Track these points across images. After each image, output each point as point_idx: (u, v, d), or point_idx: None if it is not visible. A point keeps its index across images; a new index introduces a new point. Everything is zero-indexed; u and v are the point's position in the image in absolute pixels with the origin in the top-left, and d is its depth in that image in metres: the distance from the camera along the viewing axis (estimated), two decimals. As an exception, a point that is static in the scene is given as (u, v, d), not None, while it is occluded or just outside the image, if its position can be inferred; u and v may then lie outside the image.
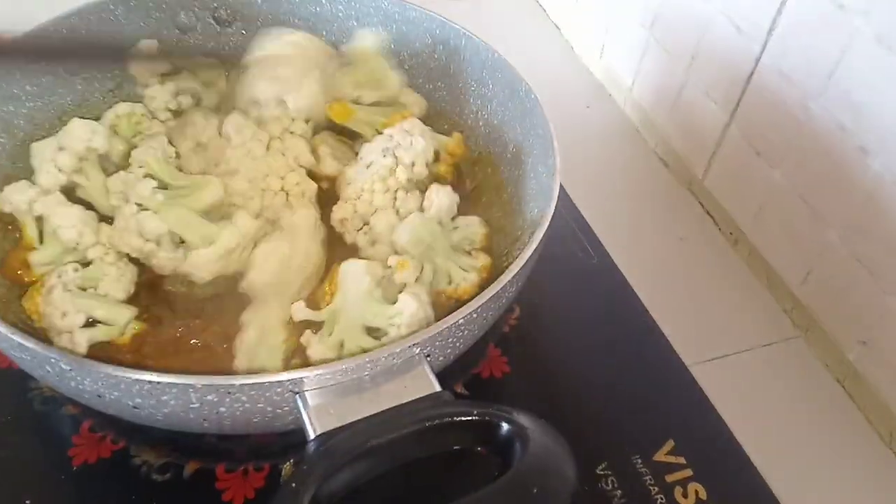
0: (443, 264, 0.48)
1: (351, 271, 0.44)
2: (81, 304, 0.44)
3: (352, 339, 0.42)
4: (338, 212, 0.51)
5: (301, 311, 0.44)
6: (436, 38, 0.59)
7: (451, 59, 0.59)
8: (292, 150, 0.52)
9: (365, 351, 0.42)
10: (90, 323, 0.44)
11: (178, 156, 0.51)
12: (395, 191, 0.50)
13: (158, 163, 0.48)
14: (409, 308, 0.42)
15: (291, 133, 0.53)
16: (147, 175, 0.48)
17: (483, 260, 0.49)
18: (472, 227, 0.51)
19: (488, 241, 0.51)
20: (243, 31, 0.61)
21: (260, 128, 0.52)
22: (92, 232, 0.47)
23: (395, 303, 0.43)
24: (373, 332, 0.43)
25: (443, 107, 0.61)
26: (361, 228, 0.50)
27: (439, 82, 0.61)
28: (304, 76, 0.54)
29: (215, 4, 0.60)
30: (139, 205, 0.46)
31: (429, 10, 0.59)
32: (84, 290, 0.45)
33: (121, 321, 0.45)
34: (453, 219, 0.51)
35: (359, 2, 0.61)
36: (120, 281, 0.46)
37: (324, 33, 0.62)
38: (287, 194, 0.51)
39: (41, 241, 0.47)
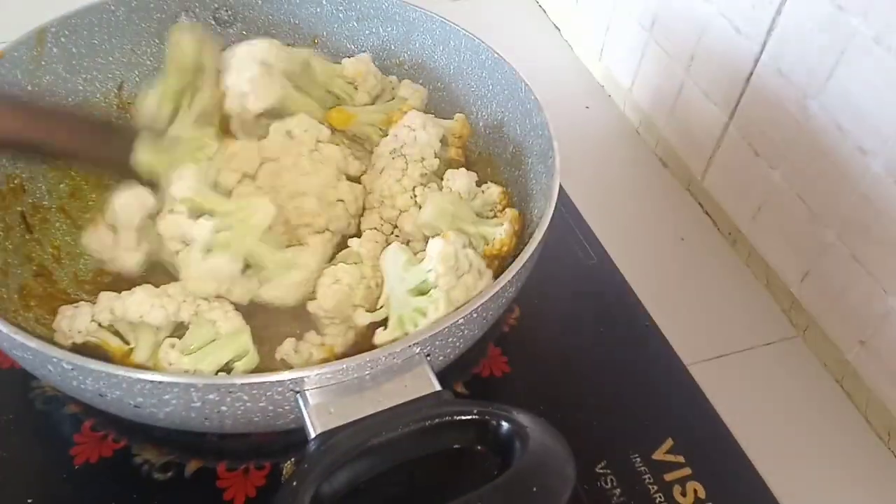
0: (473, 229, 0.49)
1: (388, 256, 0.45)
2: (212, 353, 0.43)
3: (406, 309, 0.43)
4: (365, 222, 0.52)
5: (363, 317, 0.46)
6: (436, 39, 0.60)
7: (451, 60, 0.60)
8: (331, 158, 0.52)
9: (422, 312, 0.42)
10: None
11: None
12: (413, 188, 0.51)
13: (200, 195, 0.46)
14: (436, 247, 0.43)
15: (321, 142, 0.52)
16: (192, 210, 0.45)
17: (510, 214, 0.50)
18: (490, 190, 0.51)
19: (507, 196, 0.52)
20: (244, 32, 0.62)
21: (294, 142, 0.51)
22: (170, 298, 0.44)
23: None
24: (422, 294, 0.43)
25: (443, 107, 0.61)
26: (392, 232, 0.51)
27: (439, 83, 0.61)
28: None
29: (216, 5, 0.60)
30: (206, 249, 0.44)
31: (429, 10, 0.59)
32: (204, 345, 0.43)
33: (251, 351, 0.43)
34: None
35: (359, 2, 0.61)
36: (229, 314, 0.44)
37: (324, 34, 0.62)
38: (344, 202, 0.51)
39: (125, 340, 0.44)
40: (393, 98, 0.59)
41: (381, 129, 0.56)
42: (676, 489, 0.48)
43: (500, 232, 0.48)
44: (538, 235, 0.44)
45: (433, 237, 0.45)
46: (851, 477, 0.54)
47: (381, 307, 0.45)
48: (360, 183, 0.53)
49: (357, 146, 0.57)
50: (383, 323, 0.44)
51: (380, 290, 0.47)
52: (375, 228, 0.52)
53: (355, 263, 0.48)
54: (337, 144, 0.54)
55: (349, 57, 0.58)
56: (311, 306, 0.46)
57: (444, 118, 0.61)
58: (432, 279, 0.42)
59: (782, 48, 0.60)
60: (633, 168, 0.77)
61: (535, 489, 0.33)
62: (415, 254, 0.46)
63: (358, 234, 0.51)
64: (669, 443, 0.50)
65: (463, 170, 0.52)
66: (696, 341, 0.59)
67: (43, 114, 0.51)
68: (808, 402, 0.58)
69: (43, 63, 0.53)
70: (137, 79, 0.59)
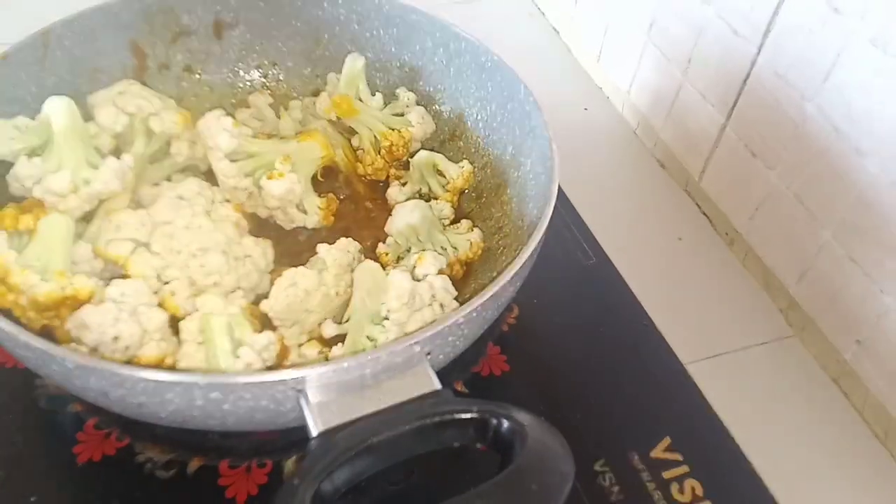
0: (441, 240, 0.52)
1: (358, 275, 0.46)
2: None
3: (361, 333, 0.44)
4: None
5: (330, 328, 0.46)
6: (436, 41, 0.60)
7: (451, 62, 0.60)
8: (228, 218, 0.50)
9: (372, 339, 0.43)
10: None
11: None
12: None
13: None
14: (393, 283, 0.44)
15: (216, 202, 0.50)
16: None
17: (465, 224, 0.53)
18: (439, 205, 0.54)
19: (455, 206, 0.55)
20: (248, 35, 0.62)
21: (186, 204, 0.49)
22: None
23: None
24: (376, 322, 0.45)
25: (442, 109, 0.61)
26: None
27: (439, 85, 0.61)
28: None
29: (218, 7, 0.61)
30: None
31: (429, 13, 0.60)
32: None
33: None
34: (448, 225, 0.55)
35: (360, 5, 0.61)
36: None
37: (325, 36, 0.63)
38: (252, 257, 0.49)
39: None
40: (402, 114, 0.59)
41: (375, 135, 0.57)
42: (674, 487, 0.48)
43: (473, 237, 0.51)
44: (537, 236, 0.44)
45: (397, 269, 0.46)
46: (848, 475, 0.54)
47: (347, 321, 0.46)
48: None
49: (346, 136, 0.58)
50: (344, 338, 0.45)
51: (341, 298, 0.47)
52: (350, 237, 0.51)
53: (319, 270, 0.47)
54: (230, 202, 0.51)
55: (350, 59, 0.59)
56: (263, 305, 0.46)
57: (444, 121, 0.61)
58: (384, 312, 0.44)
59: (779, 50, 0.60)
60: (631, 169, 0.77)
61: (534, 487, 0.33)
62: (390, 264, 0.48)
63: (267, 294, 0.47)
64: (667, 441, 0.50)
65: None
66: (694, 340, 0.60)
67: None
68: (805, 401, 0.58)
69: (47, 65, 0.53)
70: (141, 81, 0.59)
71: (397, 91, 0.61)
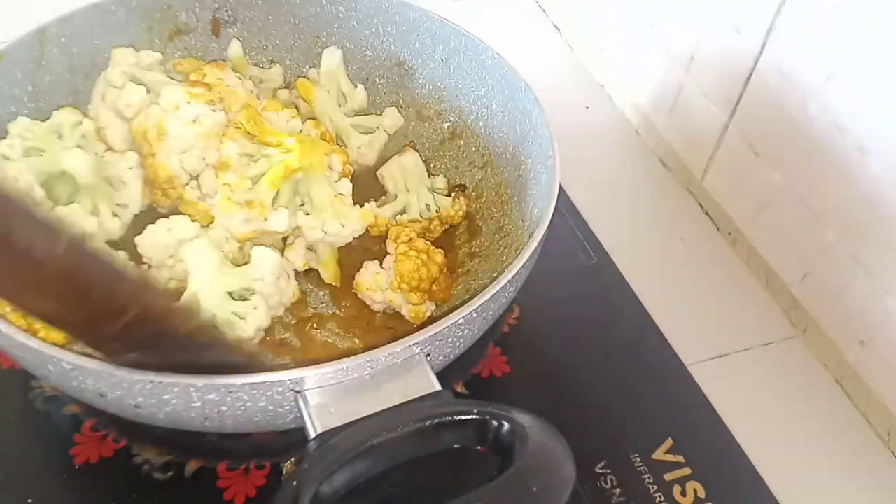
0: (426, 196, 0.55)
1: (195, 251, 0.46)
2: None
3: (224, 311, 0.44)
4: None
5: None
6: (436, 39, 0.60)
7: (451, 60, 0.60)
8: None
9: (241, 317, 0.44)
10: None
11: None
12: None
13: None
14: (267, 259, 0.44)
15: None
16: None
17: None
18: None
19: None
20: (245, 33, 0.62)
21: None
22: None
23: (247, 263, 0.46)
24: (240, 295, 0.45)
25: (442, 107, 0.61)
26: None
27: (439, 83, 0.61)
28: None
29: (216, 5, 0.60)
30: None
31: (429, 10, 0.59)
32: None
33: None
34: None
35: (359, 2, 0.61)
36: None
37: (324, 34, 0.62)
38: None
39: None
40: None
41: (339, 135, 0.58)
42: (676, 489, 0.48)
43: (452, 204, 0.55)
44: (538, 235, 0.44)
45: (260, 246, 0.46)
46: (851, 476, 0.54)
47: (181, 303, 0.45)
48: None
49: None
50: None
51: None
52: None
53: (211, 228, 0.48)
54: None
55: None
56: (137, 238, 0.47)
57: (444, 118, 0.61)
58: (259, 287, 0.44)
59: (782, 48, 0.60)
60: (633, 168, 0.77)
61: (534, 489, 0.33)
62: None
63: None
64: (669, 443, 0.50)
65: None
66: (696, 341, 0.59)
67: None
68: (807, 402, 0.58)
69: (43, 63, 0.53)
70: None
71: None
